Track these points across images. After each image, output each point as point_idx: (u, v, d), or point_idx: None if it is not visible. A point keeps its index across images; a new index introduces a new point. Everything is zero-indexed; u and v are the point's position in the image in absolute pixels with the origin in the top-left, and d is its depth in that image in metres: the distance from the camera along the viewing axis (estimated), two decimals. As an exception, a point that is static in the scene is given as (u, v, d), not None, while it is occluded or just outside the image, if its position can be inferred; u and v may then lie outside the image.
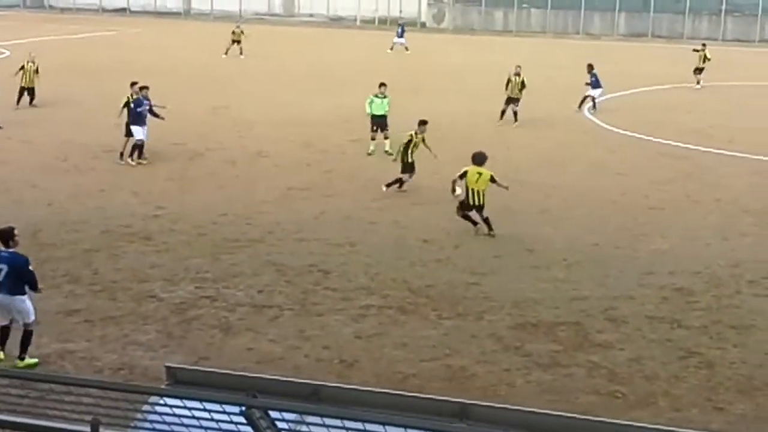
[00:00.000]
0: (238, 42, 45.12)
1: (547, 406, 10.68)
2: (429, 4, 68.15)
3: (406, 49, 49.39)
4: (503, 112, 28.50)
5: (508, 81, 28.59)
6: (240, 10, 71.13)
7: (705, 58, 38.21)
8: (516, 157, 23.62)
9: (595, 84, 30.79)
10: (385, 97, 24.16)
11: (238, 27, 46.69)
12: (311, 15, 73.07)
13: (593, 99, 30.88)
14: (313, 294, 14.20)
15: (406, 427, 4.08)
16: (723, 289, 14.82)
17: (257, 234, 17.17)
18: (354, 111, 29.48)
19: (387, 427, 4.11)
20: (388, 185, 20.11)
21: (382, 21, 67.27)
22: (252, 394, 4.43)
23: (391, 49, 49.96)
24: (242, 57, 44.04)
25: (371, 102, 24.24)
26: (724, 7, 61.03)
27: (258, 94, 33.54)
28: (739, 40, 59.19)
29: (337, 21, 70.36)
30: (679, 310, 13.85)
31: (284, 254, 16.05)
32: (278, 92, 34.05)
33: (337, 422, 4.13)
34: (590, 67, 31.15)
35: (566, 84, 34.65)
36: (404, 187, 20.26)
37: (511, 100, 28.39)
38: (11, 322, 11.68)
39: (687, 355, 12.24)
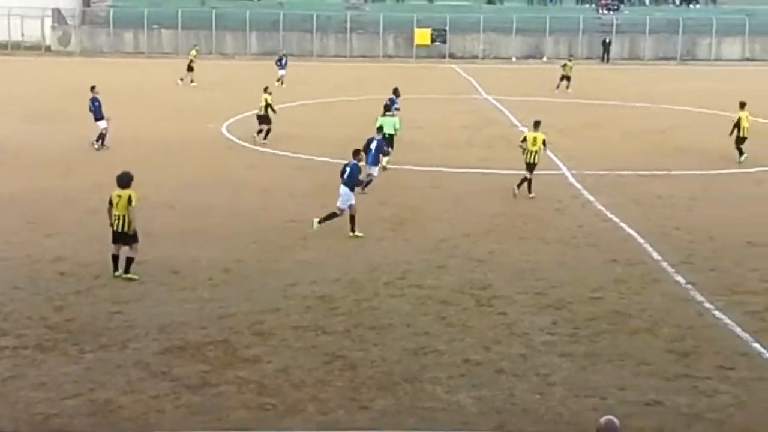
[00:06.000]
0: None
1: (198, 428, 10.60)
2: (53, 27, 65.23)
3: (282, 82, 44.34)
4: None
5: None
6: None
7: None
8: (159, 179, 23.19)
9: None
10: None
11: None
12: None
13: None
14: (-64, 342, 12.95)
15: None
16: (362, 293, 15.49)
17: None
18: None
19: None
20: None
21: (2, 45, 63.33)
22: None
23: (279, 81, 43.98)
24: None
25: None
26: (348, 25, 64.41)
27: None
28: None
29: (-47, 46, 65.12)
30: (323, 317, 14.29)
31: None
32: None
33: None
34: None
35: (208, 102, 34.63)
36: None
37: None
38: None
39: (331, 359, 12.64)
